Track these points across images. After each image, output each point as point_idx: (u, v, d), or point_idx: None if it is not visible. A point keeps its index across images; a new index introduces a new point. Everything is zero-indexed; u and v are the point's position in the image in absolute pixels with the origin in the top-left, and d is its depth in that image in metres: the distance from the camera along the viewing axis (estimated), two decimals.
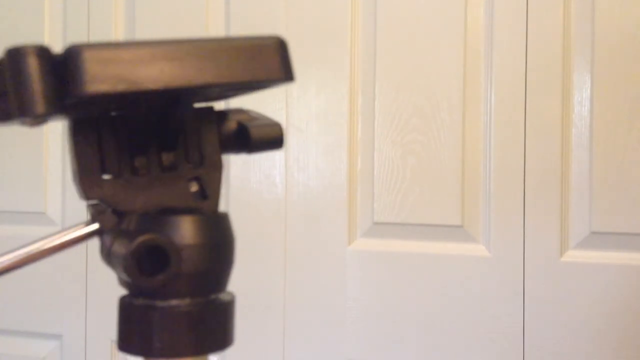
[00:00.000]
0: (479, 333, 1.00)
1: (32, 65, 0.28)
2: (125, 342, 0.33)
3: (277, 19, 1.08)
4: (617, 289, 0.96)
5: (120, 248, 0.31)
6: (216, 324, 0.33)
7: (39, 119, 0.29)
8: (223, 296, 0.34)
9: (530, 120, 0.98)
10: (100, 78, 0.28)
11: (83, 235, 0.34)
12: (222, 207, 1.23)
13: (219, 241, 0.34)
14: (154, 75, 0.30)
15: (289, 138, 1.07)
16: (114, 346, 1.15)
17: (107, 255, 0.32)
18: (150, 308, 0.32)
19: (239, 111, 0.40)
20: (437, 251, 1.02)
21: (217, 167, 0.38)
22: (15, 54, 0.28)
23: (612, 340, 0.96)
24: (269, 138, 0.39)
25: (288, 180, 1.07)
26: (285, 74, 0.32)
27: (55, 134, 1.21)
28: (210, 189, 0.37)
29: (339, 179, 1.05)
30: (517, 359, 0.98)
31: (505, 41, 0.99)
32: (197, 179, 0.37)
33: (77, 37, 1.17)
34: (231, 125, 0.39)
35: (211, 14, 1.12)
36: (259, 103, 1.08)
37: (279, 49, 0.32)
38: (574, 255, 0.97)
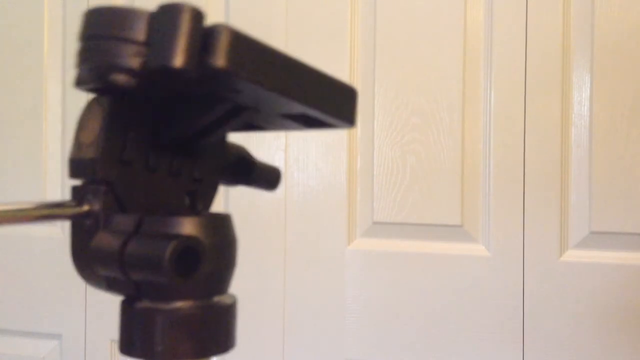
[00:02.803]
0: (478, 333, 1.00)
1: (185, 21, 0.29)
2: (127, 345, 0.33)
3: (277, 19, 1.08)
4: (616, 288, 0.96)
5: (147, 249, 0.31)
6: (219, 327, 0.33)
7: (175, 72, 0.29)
8: (225, 298, 0.34)
9: (529, 120, 0.98)
10: (234, 58, 0.29)
11: (73, 213, 0.33)
12: (222, 207, 1.22)
13: (223, 243, 0.34)
14: (272, 78, 0.31)
15: (289, 138, 1.07)
16: (114, 346, 1.15)
17: (106, 248, 0.32)
18: (153, 310, 0.32)
19: (239, 147, 0.42)
20: (437, 251, 1.02)
21: (213, 190, 0.39)
22: (172, 8, 0.29)
23: (612, 340, 0.96)
24: (271, 179, 0.44)
25: (288, 180, 1.07)
26: (354, 120, 0.36)
27: (54, 133, 1.21)
28: (200, 206, 0.38)
29: (339, 179, 1.05)
30: (517, 358, 0.99)
31: (505, 41, 0.99)
32: (191, 193, 0.37)
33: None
34: (233, 157, 0.41)
35: (211, 13, 1.12)
36: None
37: (355, 97, 0.35)
38: (573, 254, 0.98)
